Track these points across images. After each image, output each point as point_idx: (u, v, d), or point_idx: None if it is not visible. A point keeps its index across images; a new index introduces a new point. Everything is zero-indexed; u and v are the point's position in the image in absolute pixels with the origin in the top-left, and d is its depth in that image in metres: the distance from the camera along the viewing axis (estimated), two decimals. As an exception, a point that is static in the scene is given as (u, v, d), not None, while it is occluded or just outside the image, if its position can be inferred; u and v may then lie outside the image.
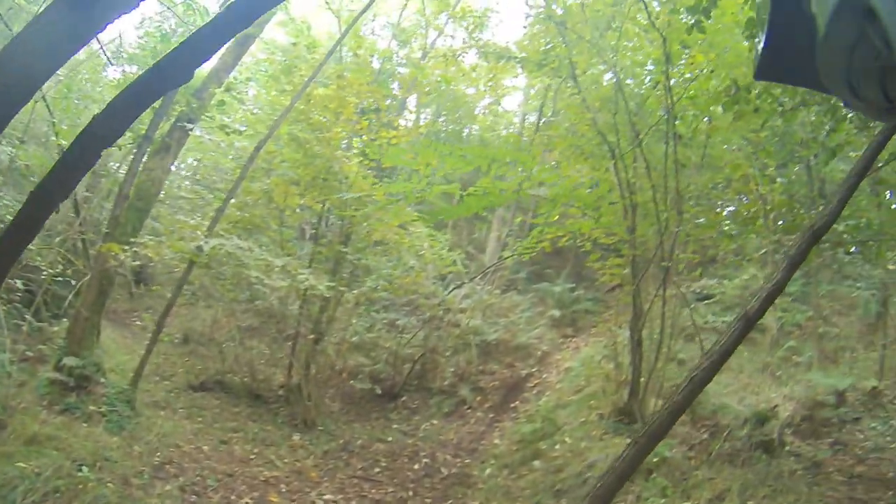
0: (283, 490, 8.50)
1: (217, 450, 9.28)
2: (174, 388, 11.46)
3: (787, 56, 0.88)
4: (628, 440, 7.83)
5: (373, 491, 8.75)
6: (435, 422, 11.14)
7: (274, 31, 14.52)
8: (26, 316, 9.99)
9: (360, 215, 10.88)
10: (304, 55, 12.37)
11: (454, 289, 12.44)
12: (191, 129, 11.11)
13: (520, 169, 8.87)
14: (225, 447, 9.42)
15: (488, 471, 9.03)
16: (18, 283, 10.07)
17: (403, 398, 11.96)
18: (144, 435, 8.98)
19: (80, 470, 7.51)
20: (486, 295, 13.23)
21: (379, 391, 11.80)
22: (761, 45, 0.92)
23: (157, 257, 10.00)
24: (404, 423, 11.27)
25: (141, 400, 9.97)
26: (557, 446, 8.84)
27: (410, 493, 8.79)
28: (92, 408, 8.93)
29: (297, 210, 11.69)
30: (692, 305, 9.46)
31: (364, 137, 12.07)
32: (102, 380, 9.52)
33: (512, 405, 11.07)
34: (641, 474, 7.13)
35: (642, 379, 8.37)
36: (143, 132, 10.80)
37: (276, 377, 12.07)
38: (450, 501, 8.52)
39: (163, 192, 12.60)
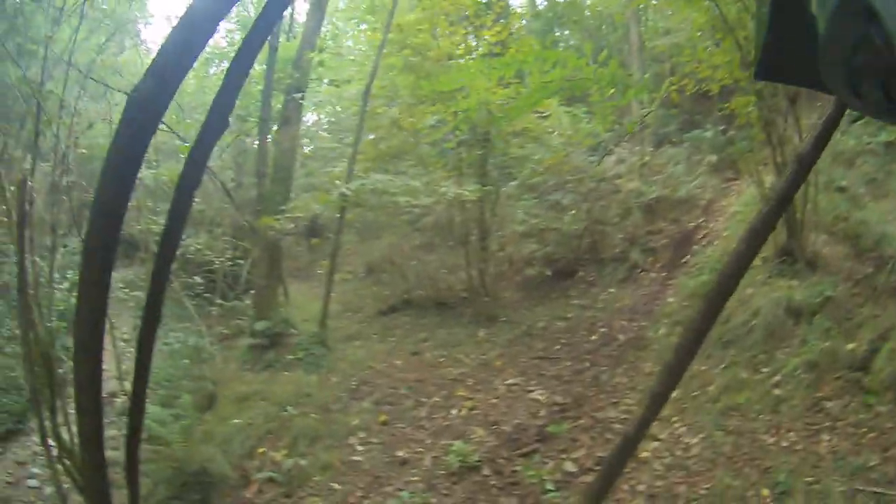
0: (470, 383, 9.95)
1: (409, 362, 10.97)
2: (364, 318, 13.43)
3: (787, 56, 0.94)
4: (793, 281, 8.32)
5: (552, 368, 10.06)
6: (611, 290, 12.17)
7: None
8: (215, 301, 12.20)
9: (488, 117, 11.84)
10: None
11: (603, 157, 13.24)
12: (301, 99, 12.70)
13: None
14: (416, 357, 11.11)
15: (661, 330, 9.95)
16: (197, 279, 12.84)
17: (579, 273, 13.06)
18: (339, 366, 10.85)
19: (285, 410, 9.35)
20: (638, 155, 13.89)
21: (552, 273, 12.98)
22: (761, 44, 0.97)
23: (309, 213, 11.87)
24: (583, 297, 12.37)
25: (333, 337, 11.84)
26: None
27: (587, 363, 9.96)
28: (289, 357, 10.95)
29: (430, 125, 12.71)
30: (842, 129, 9.39)
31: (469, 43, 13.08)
32: (293, 331, 11.50)
33: (683, 260, 11.85)
34: (805, 316, 7.83)
35: (798, 214, 8.62)
36: (259, 116, 12.63)
37: (457, 282, 13.65)
38: (624, 366, 9.60)
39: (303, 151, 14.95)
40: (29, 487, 10.19)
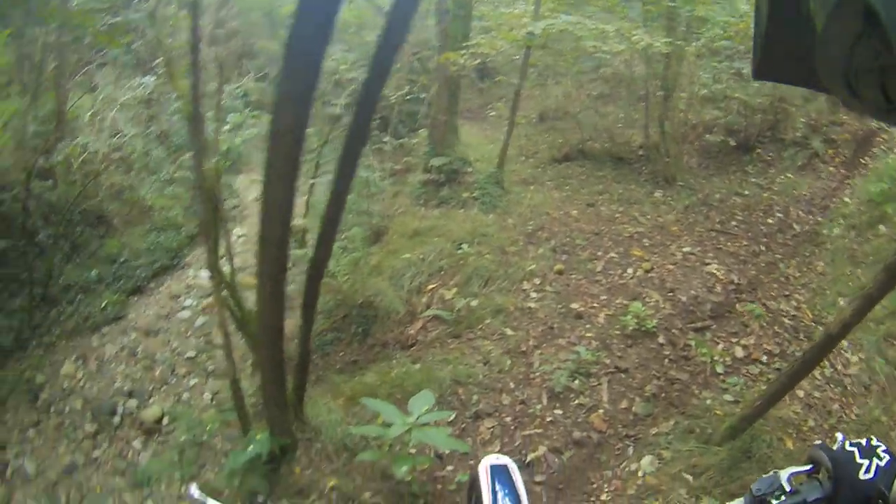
0: (646, 244, 10.21)
1: (584, 213, 11.22)
2: (539, 164, 13.63)
3: (785, 56, 0.94)
4: None
5: (728, 244, 10.27)
6: (789, 175, 12.15)
7: None
8: (385, 137, 12.52)
9: None
10: None
11: None
12: None
13: None
14: (591, 209, 11.36)
15: (836, 230, 10.14)
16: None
17: (758, 150, 12.98)
18: (515, 209, 11.14)
19: (460, 248, 9.69)
20: None
21: (733, 143, 12.87)
22: (759, 44, 0.98)
23: (494, 51, 11.53)
24: (760, 176, 12.36)
25: (509, 179, 12.13)
26: None
27: (763, 247, 10.19)
28: (465, 195, 11.28)
29: None
30: None
31: None
32: (469, 169, 11.81)
33: (862, 160, 11.84)
34: None
35: None
36: None
37: (635, 139, 13.74)
38: (797, 259, 9.84)
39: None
40: (181, 319, 11.18)
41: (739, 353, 7.95)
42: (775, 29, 0.94)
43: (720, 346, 8.04)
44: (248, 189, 14.16)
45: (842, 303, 8.26)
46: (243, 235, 12.62)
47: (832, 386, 7.32)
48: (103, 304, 11.10)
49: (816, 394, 7.20)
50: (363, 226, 11.51)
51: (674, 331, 8.28)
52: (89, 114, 12.14)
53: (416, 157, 12.96)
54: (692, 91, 13.44)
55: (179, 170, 13.00)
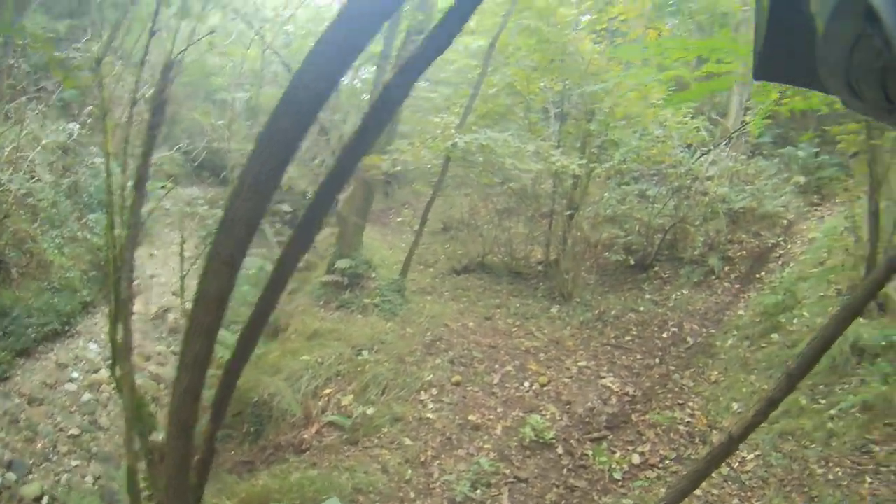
0: (542, 358, 10.25)
1: (481, 326, 11.26)
2: (438, 274, 13.82)
3: (786, 56, 0.96)
4: (862, 319, 8.26)
5: (623, 357, 10.42)
6: (684, 291, 12.43)
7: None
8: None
9: (601, 90, 11.86)
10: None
11: (700, 156, 13.36)
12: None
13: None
14: (488, 323, 11.41)
15: (730, 341, 10.27)
16: (285, 206, 13.16)
17: (655, 268, 13.32)
18: (415, 318, 11.08)
19: (360, 354, 9.60)
20: (732, 161, 13.88)
21: (632, 262, 13.19)
22: (760, 44, 0.98)
23: (416, 159, 11.90)
24: (656, 292, 12.67)
25: (409, 288, 12.13)
26: (795, 320, 9.64)
27: (657, 360, 10.33)
28: (366, 300, 11.22)
29: (540, 91, 12.84)
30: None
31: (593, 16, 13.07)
32: (373, 275, 11.79)
33: (758, 275, 12.06)
34: (868, 357, 8.02)
35: (879, 255, 8.57)
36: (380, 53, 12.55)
37: (535, 254, 14.01)
38: (691, 370, 9.92)
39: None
40: (67, 392, 10.52)
41: (636, 459, 8.00)
42: (776, 29, 0.97)
43: (617, 454, 8.09)
44: (144, 264, 13.75)
45: (735, 407, 8.56)
46: (135, 313, 12.07)
47: (729, 483, 7.39)
48: (-11, 360, 10.18)
49: (714, 492, 7.26)
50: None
51: (571, 441, 8.32)
52: (10, 148, 11.51)
53: (315, 256, 13.03)
54: (596, 210, 13.90)
55: (84, 229, 12.39)
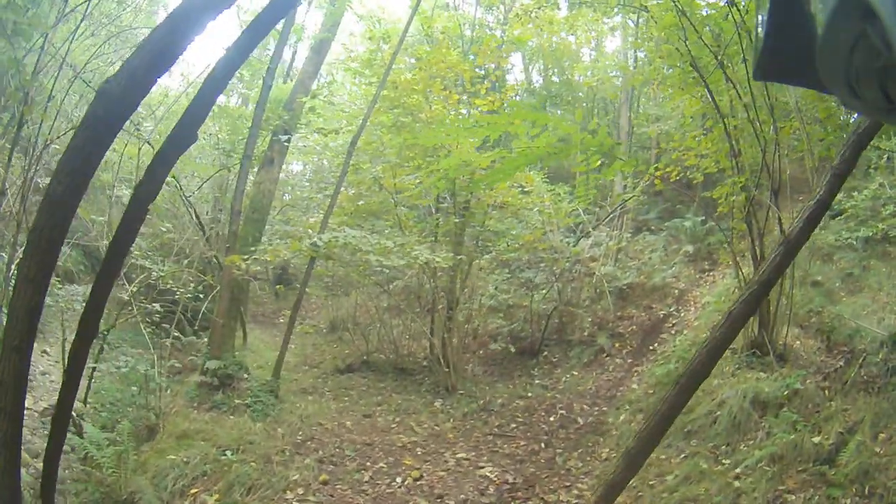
0: (419, 453, 9.66)
1: (359, 423, 10.69)
2: (322, 374, 13.19)
3: (786, 56, 0.94)
4: (761, 374, 8.30)
5: (505, 446, 9.79)
6: (575, 373, 12.07)
7: (352, 26, 16.23)
8: (172, 332, 11.68)
9: (469, 182, 11.63)
10: (382, 46, 13.43)
11: (580, 238, 13.44)
12: (287, 141, 12.76)
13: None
14: (368, 420, 10.87)
15: (622, 417, 9.78)
16: (157, 307, 12.56)
17: (544, 353, 12.97)
18: (287, 418, 10.54)
19: (224, 454, 9.09)
20: (614, 240, 13.85)
21: (516, 350, 12.94)
22: (760, 44, 0.96)
23: (276, 259, 11.65)
24: (546, 377, 12.29)
25: (286, 388, 11.67)
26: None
27: (543, 444, 9.75)
28: (237, 401, 10.74)
29: (414, 186, 12.46)
30: (822, 225, 9.42)
31: (460, 109, 12.98)
32: (246, 376, 11.31)
33: (650, 348, 11.78)
34: (771, 409, 7.76)
35: (771, 308, 8.69)
36: (243, 152, 12.32)
37: (419, 350, 13.54)
38: (580, 450, 9.39)
39: (283, 198, 14.87)
40: None
41: None
42: (777, 29, 0.94)
43: None
44: (37, 361, 12.94)
45: (631, 483, 7.90)
46: (28, 409, 11.25)
47: None
48: None
49: None
50: (140, 420, 10.65)
51: None
52: None
53: (197, 357, 12.37)
54: (478, 302, 13.66)
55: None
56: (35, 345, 10.51)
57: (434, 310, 13.04)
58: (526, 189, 12.67)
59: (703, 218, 13.97)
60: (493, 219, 13.28)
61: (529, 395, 11.68)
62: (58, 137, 8.50)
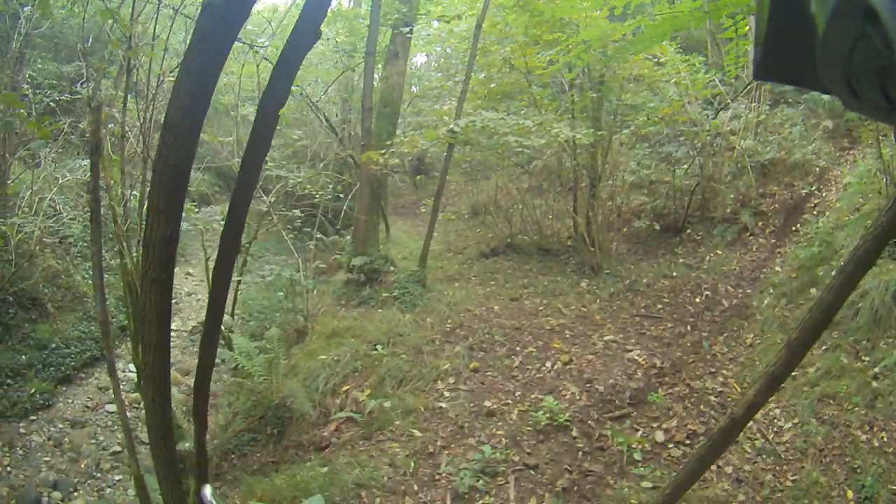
0: (567, 335, 9.76)
1: (507, 307, 10.84)
2: (467, 260, 13.46)
3: (785, 56, 0.94)
4: None
5: (652, 328, 9.86)
6: (719, 252, 11.81)
7: None
8: (315, 235, 12.24)
9: (603, 56, 11.16)
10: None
11: (719, 111, 12.82)
12: (409, 32, 12.54)
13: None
14: (515, 304, 10.99)
15: (766, 301, 9.64)
16: (297, 212, 12.88)
17: (688, 231, 12.72)
18: (436, 307, 10.78)
19: (375, 349, 9.45)
20: (753, 113, 13.05)
21: (660, 227, 12.72)
22: (760, 44, 0.96)
23: (414, 150, 11.77)
24: (689, 256, 12.10)
25: (433, 276, 11.88)
26: (833, 272, 8.73)
27: (689, 327, 9.75)
28: (385, 294, 11.05)
29: (546, 64, 11.85)
30: None
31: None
32: (392, 268, 11.61)
33: (793, 228, 11.37)
34: None
35: None
36: (365, 49, 12.39)
37: (563, 230, 13.55)
38: (725, 334, 9.38)
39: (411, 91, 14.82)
40: (108, 413, 10.83)
41: (660, 437, 7.45)
42: (777, 29, 0.94)
43: (639, 433, 7.53)
44: (181, 283, 14.04)
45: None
46: (176, 330, 12.31)
47: (764, 457, 6.90)
48: (32, 391, 10.75)
49: (746, 467, 6.78)
50: (288, 325, 11.26)
51: (589, 422, 7.75)
52: (29, 192, 11.84)
53: (341, 255, 12.64)
54: (620, 179, 13.43)
55: (116, 257, 12.74)
56: (176, 269, 11.36)
57: (576, 188, 12.94)
58: (661, 60, 12.02)
59: (844, 91, 13.28)
60: (629, 92, 12.78)
61: (674, 274, 11.59)
62: (170, 72, 8.64)
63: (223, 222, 3.76)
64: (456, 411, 8.22)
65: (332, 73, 16.01)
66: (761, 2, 0.94)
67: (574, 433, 7.52)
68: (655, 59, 11.98)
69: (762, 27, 0.94)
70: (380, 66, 13.51)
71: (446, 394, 8.67)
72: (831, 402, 7.13)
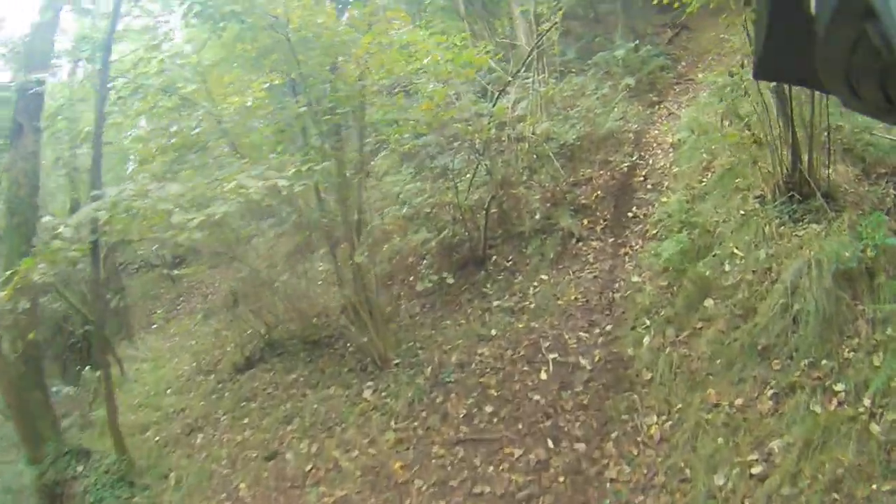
0: None
1: (259, 480, 7.35)
2: (219, 382, 9.93)
3: (785, 56, 0.86)
4: (813, 225, 5.87)
5: (490, 468, 6.17)
6: (543, 277, 8.46)
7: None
8: None
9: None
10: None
11: (498, 95, 10.02)
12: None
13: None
14: (272, 466, 7.51)
15: (646, 340, 6.44)
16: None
17: (493, 258, 9.37)
18: None
19: None
20: (544, 87, 10.68)
21: (455, 264, 9.54)
22: (760, 44, 0.87)
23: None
24: (504, 293, 8.60)
25: (154, 451, 8.74)
26: (727, 266, 6.28)
27: (549, 441, 6.11)
28: None
29: (265, 88, 9.02)
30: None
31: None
32: (81, 469, 8.41)
33: (630, 215, 8.67)
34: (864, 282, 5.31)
35: (799, 131, 6.22)
36: None
37: (333, 302, 9.97)
38: (614, 433, 5.91)
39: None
40: None
41: None
42: (777, 29, 0.90)
43: None
44: None
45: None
46: None
47: None
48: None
49: None
50: None
51: None
52: None
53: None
54: (388, 216, 10.38)
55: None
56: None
57: (334, 248, 9.28)
58: (412, 53, 8.86)
59: (636, 42, 12.28)
60: (376, 106, 9.31)
61: (493, 332, 7.89)
62: None
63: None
64: None
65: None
66: (761, 2, 0.90)
67: None
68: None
69: (761, 27, 0.90)
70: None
71: None
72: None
